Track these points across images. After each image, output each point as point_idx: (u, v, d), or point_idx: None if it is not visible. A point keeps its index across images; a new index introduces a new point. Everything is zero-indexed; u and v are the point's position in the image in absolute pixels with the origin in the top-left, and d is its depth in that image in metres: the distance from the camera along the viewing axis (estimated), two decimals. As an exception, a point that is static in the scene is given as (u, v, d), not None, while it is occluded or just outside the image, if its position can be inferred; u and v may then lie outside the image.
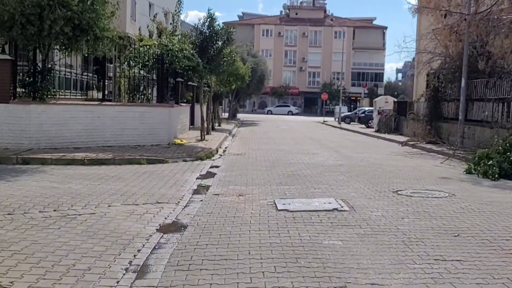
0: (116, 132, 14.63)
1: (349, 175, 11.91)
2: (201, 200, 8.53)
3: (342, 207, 8.03)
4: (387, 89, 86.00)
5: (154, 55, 16.49)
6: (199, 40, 17.82)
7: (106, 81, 20.06)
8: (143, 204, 8.02)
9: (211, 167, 13.00)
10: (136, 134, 15.11)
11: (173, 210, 7.68)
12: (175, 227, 6.77)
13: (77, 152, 12.99)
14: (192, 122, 26.15)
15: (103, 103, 14.95)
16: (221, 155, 15.95)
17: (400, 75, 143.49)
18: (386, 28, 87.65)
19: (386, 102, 33.50)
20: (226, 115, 47.16)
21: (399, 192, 9.63)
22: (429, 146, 20.94)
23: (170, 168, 12.26)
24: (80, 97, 19.00)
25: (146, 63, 16.51)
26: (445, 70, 22.30)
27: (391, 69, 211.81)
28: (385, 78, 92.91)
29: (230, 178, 11.11)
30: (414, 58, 27.78)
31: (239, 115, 54.70)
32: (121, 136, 14.75)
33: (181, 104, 21.56)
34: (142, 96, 17.00)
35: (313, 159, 15.29)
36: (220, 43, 18.07)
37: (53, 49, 14.43)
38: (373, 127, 36.36)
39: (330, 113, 63.80)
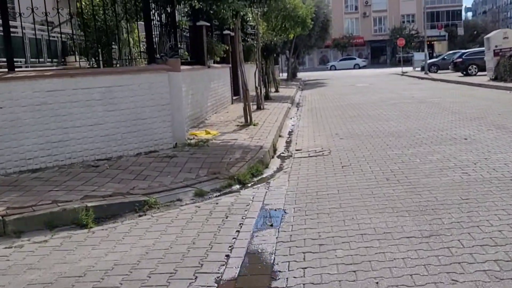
0: (49, 136, 6.68)
1: None
2: None
3: None
4: (466, 29, 74.92)
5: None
6: None
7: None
8: None
9: (259, 219, 4.91)
10: (99, 136, 7.07)
11: None
12: None
13: None
14: (237, 91, 17.98)
15: (8, 75, 6.75)
16: (282, 162, 7.78)
17: (470, 13, 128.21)
18: (461, -44, 75.18)
19: (505, 38, 23.83)
20: (284, 75, 38.57)
21: None
22: None
23: (139, 247, 4.25)
24: (52, 67, 11.15)
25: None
26: None
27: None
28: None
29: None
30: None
31: (300, 74, 45.87)
32: (65, 144, 6.76)
33: (210, 65, 13.37)
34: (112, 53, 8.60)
35: (487, 161, 6.81)
36: None
37: None
38: (473, 74, 29.83)
39: (406, 62, 53.77)
